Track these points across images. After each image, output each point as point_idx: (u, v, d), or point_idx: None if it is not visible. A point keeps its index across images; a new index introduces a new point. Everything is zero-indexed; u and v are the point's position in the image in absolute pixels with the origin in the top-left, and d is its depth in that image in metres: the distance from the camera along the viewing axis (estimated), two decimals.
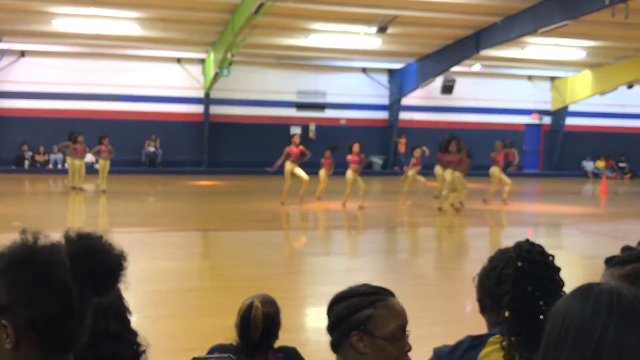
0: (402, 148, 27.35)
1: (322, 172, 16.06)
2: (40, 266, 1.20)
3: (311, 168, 18.30)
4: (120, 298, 1.78)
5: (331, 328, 1.90)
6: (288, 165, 15.75)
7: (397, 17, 18.65)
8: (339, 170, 17.03)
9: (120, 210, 15.02)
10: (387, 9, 18.01)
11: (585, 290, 1.17)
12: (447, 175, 15.77)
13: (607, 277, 1.82)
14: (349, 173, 15.44)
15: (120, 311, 1.74)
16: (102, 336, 1.62)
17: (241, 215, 14.34)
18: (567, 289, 1.86)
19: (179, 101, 26.12)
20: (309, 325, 6.05)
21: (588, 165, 29.94)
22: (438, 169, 16.62)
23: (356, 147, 15.38)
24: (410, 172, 16.96)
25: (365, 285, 1.94)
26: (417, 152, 17.02)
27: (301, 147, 16.03)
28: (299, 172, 15.73)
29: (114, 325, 1.67)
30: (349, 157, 15.41)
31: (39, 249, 1.22)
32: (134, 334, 1.74)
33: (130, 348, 1.69)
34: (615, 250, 1.91)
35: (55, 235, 1.28)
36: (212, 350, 2.66)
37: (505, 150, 17.21)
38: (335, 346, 1.89)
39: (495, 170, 16.90)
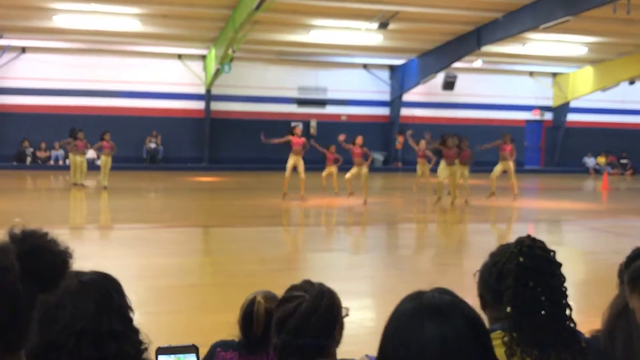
0: (398, 145, 27.35)
1: (327, 170, 16.45)
2: None
3: (313, 164, 18.36)
4: (123, 297, 1.78)
5: (318, 337, 1.93)
6: (291, 159, 15.81)
7: (399, 13, 18.63)
8: (344, 166, 17.08)
9: (122, 206, 15.03)
10: (388, 5, 17.99)
11: (413, 296, 1.33)
12: (442, 169, 15.78)
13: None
14: (354, 167, 15.61)
15: (123, 310, 1.73)
16: (107, 336, 1.62)
17: (242, 211, 14.35)
18: (568, 284, 1.87)
19: (180, 97, 26.13)
20: None
21: (589, 161, 29.93)
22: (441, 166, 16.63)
23: (359, 140, 15.54)
24: (419, 166, 16.97)
25: (305, 283, 2.02)
26: (422, 144, 17.02)
27: (303, 138, 16.10)
28: (300, 168, 15.74)
29: (118, 325, 1.67)
30: (352, 148, 15.54)
31: None
32: (136, 331, 1.74)
33: (133, 346, 1.70)
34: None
35: (56, 232, 1.27)
36: (215, 347, 2.66)
37: (510, 144, 17.07)
38: (321, 351, 1.93)
39: (498, 167, 16.88)
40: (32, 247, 1.25)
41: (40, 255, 1.24)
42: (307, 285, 2.04)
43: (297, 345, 1.92)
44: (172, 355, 1.41)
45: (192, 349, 1.42)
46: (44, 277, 1.24)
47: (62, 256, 1.29)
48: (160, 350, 1.42)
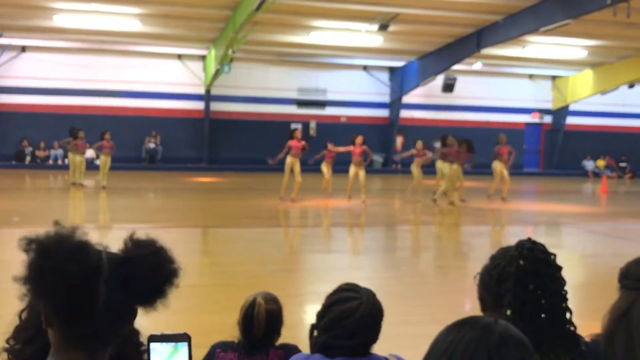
0: (399, 147, 27.36)
1: (324, 166, 16.54)
2: (57, 262, 1.26)
3: (311, 165, 18.35)
4: None
5: (371, 337, 2.08)
6: (289, 159, 15.78)
7: (399, 14, 18.64)
8: (339, 167, 17.14)
9: (120, 206, 15.03)
10: (388, 7, 17.99)
11: (473, 321, 1.15)
12: (444, 168, 15.85)
13: None
14: (352, 167, 15.64)
15: None
16: None
17: (241, 212, 14.35)
18: (568, 287, 1.87)
19: (179, 98, 26.12)
20: (309, 322, 6.05)
21: (588, 164, 29.90)
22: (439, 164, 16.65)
23: (359, 140, 15.60)
24: (414, 167, 17.01)
25: (352, 285, 2.15)
26: (419, 144, 17.06)
27: (303, 142, 16.12)
28: (297, 170, 15.73)
29: None
30: (352, 149, 15.63)
31: (65, 246, 1.28)
32: (136, 333, 1.74)
33: (134, 348, 1.70)
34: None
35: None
36: (214, 348, 2.67)
37: (508, 146, 17.11)
38: (367, 350, 2.05)
39: (497, 165, 16.91)
40: (134, 256, 1.33)
41: (137, 266, 1.32)
42: (355, 287, 2.11)
43: (352, 345, 2.01)
44: (165, 343, 1.42)
45: (185, 337, 1.43)
46: (139, 287, 1.32)
47: (166, 272, 1.36)
48: (152, 338, 1.43)
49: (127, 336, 1.68)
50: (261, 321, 2.54)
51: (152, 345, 1.42)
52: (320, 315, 2.07)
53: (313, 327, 2.09)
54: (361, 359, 2.01)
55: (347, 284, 2.14)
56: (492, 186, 17.23)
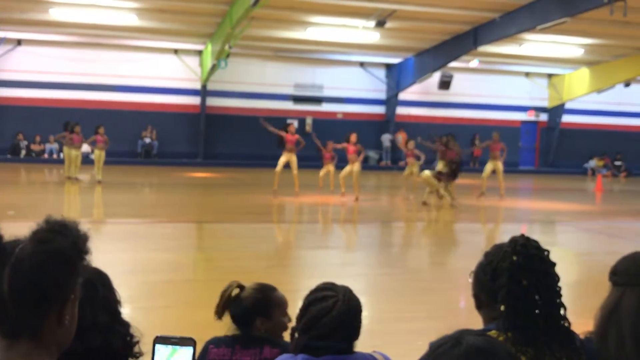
0: (401, 145, 27.36)
1: (324, 168, 16.65)
2: None
3: (309, 161, 18.35)
4: (110, 290, 1.78)
5: (353, 335, 2.06)
6: (284, 157, 15.86)
7: (396, 11, 18.64)
8: (339, 164, 17.16)
9: (116, 200, 15.00)
10: (385, 3, 18.01)
11: (457, 339, 1.25)
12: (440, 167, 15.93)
13: None
14: (348, 164, 15.74)
15: (109, 303, 1.73)
16: (91, 328, 1.62)
17: (236, 207, 14.34)
18: (562, 285, 1.88)
19: (175, 92, 26.08)
20: None
21: (590, 163, 29.68)
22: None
23: (353, 137, 15.68)
24: (408, 166, 17.05)
25: (329, 284, 2.12)
26: (410, 144, 17.15)
27: (297, 135, 16.17)
28: (293, 164, 15.79)
29: (103, 317, 1.67)
30: (346, 145, 15.69)
31: None
32: (125, 325, 1.74)
33: (121, 339, 1.70)
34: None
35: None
36: (208, 344, 2.66)
37: (501, 143, 17.16)
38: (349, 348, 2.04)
39: (488, 165, 16.97)
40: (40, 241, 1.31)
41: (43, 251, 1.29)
42: (332, 285, 2.11)
43: (333, 343, 2.00)
44: (169, 346, 1.43)
45: (190, 341, 1.44)
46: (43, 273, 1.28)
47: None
48: (158, 340, 1.44)
49: (112, 326, 1.69)
50: (224, 296, 2.59)
51: (157, 346, 1.43)
52: (299, 317, 2.07)
53: (293, 329, 2.10)
54: (346, 356, 2.00)
55: (324, 284, 2.13)
56: (482, 184, 17.22)
